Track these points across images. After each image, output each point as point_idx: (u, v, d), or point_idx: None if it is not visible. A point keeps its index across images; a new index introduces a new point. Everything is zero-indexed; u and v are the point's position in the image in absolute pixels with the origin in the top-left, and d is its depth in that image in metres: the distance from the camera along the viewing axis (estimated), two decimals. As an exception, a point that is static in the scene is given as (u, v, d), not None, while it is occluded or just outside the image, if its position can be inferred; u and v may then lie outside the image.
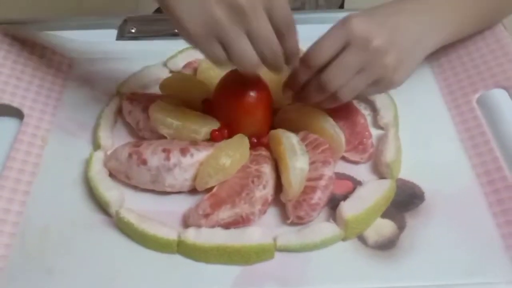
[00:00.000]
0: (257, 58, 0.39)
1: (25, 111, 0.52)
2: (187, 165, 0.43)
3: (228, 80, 0.46)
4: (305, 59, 0.42)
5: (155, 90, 0.54)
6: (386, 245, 0.42)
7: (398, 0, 0.46)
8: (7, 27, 0.56)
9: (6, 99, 0.51)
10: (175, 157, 0.43)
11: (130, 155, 0.44)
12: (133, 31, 0.64)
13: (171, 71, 0.56)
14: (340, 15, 0.44)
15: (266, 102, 0.46)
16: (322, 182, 0.42)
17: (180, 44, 0.51)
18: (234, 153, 0.43)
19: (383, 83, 0.43)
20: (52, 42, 0.58)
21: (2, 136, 0.51)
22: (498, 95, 0.53)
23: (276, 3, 0.38)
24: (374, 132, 0.50)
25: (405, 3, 0.46)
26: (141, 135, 0.49)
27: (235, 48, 0.38)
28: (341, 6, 0.75)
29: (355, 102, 0.51)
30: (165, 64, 0.57)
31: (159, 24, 0.65)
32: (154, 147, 0.44)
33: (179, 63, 0.56)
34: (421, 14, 0.46)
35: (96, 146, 0.49)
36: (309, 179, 0.42)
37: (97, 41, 0.60)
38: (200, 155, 0.44)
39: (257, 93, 0.45)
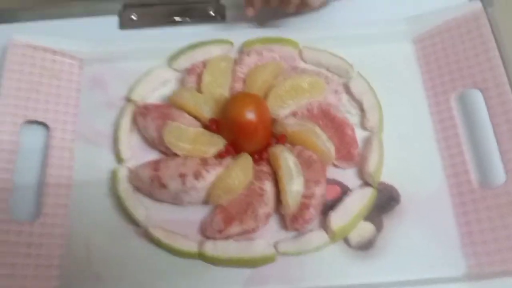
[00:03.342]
0: None
1: (50, 124, 0.57)
2: (200, 187, 0.51)
3: (233, 105, 0.52)
4: None
5: (163, 92, 0.60)
6: (366, 246, 0.51)
7: None
8: (17, 38, 0.59)
9: (31, 116, 0.57)
10: (190, 182, 0.51)
11: (151, 180, 0.51)
12: (134, 18, 0.66)
13: (175, 70, 0.61)
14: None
15: (267, 122, 0.53)
16: (315, 201, 0.50)
17: (181, 34, 0.63)
18: (239, 174, 0.51)
19: None
20: (59, 45, 0.61)
21: (32, 147, 0.57)
22: (477, 95, 0.56)
23: None
24: (361, 134, 0.56)
25: None
26: (157, 148, 0.56)
27: None
28: None
29: (344, 107, 0.57)
30: (169, 65, 0.61)
31: (159, 9, 0.67)
32: (171, 172, 0.51)
33: (182, 65, 0.60)
34: None
35: (119, 159, 0.56)
36: (303, 196, 0.51)
37: (102, 39, 0.63)
38: (211, 176, 0.51)
39: (258, 118, 0.51)
